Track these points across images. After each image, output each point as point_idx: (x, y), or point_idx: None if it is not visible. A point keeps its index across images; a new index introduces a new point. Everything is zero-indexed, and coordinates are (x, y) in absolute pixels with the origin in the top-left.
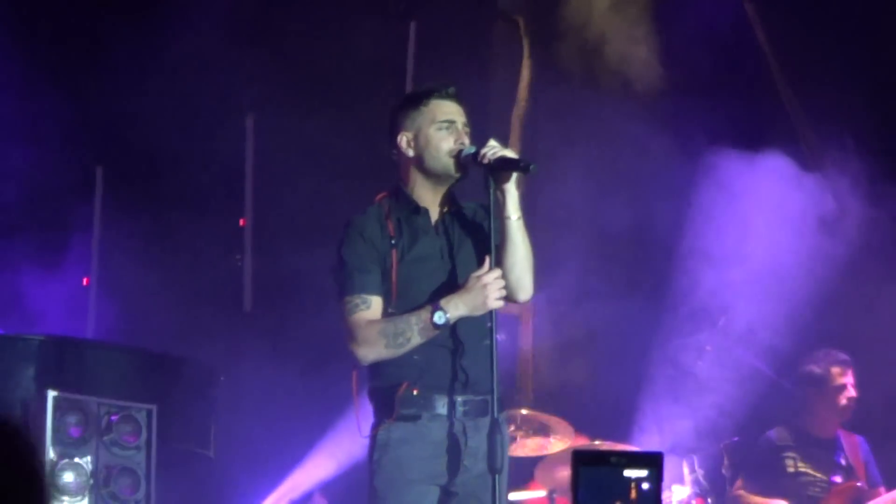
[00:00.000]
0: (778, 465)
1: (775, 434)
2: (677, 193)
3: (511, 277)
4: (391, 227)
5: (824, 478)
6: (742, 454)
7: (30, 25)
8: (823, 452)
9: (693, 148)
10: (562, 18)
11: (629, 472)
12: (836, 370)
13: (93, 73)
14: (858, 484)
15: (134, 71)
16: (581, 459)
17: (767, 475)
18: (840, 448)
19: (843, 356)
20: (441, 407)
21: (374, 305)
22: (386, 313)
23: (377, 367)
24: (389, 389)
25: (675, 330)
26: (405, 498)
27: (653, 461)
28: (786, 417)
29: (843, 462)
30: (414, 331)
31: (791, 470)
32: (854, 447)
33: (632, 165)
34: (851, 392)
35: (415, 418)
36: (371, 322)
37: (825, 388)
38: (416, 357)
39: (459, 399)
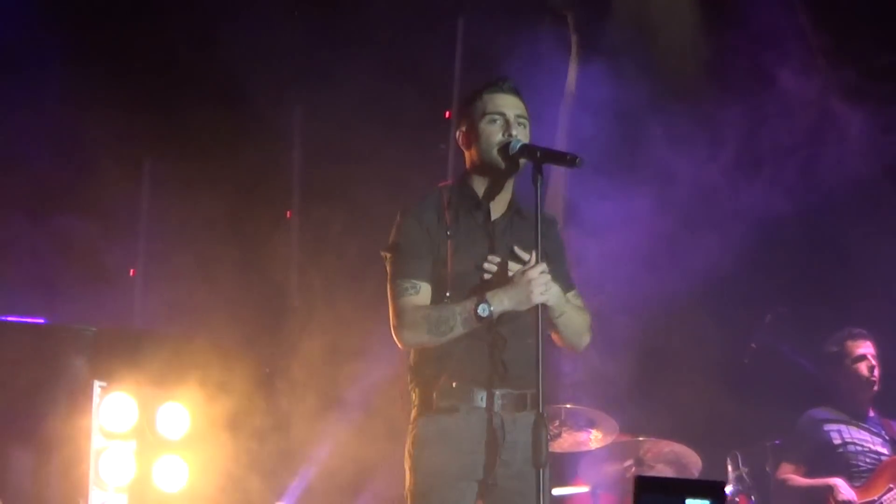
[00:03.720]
0: (823, 438)
1: (815, 411)
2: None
3: (564, 342)
4: (448, 217)
5: (872, 448)
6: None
7: (80, 16)
8: (864, 427)
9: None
10: (611, 13)
11: (691, 501)
12: (850, 343)
13: (142, 64)
14: None
15: (182, 62)
16: (643, 487)
17: (813, 451)
18: (878, 426)
19: (857, 330)
20: (479, 400)
21: (422, 291)
22: (441, 302)
23: (421, 358)
24: (428, 381)
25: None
26: (446, 495)
27: (714, 490)
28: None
29: (885, 437)
30: (457, 320)
31: (837, 441)
32: (890, 427)
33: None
34: (872, 361)
35: (452, 411)
36: (417, 307)
37: (844, 363)
38: (457, 349)
39: (498, 393)
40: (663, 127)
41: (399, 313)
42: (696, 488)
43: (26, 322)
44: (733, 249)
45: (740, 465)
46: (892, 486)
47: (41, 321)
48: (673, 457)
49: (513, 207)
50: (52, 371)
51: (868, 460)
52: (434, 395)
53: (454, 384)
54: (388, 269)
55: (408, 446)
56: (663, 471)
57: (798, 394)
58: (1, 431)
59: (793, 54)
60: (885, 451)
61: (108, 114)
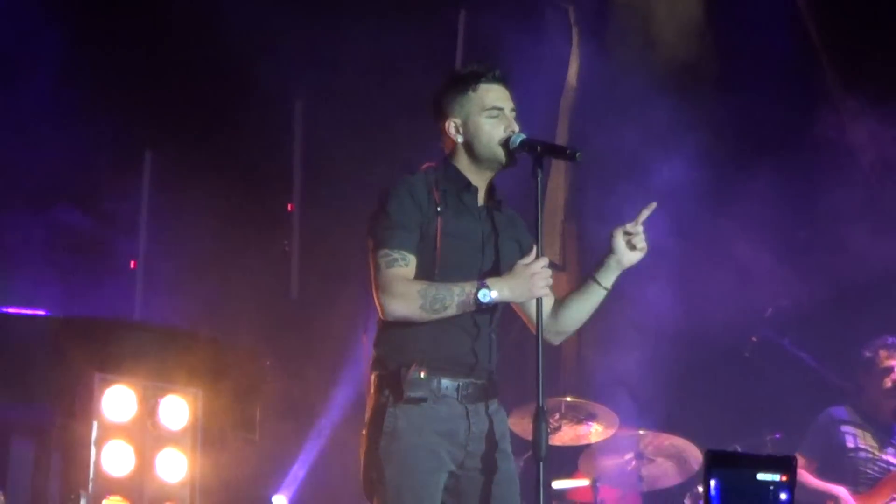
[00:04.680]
0: (837, 439)
1: (835, 410)
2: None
3: (563, 327)
4: (437, 196)
5: (883, 458)
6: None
7: (82, 8)
8: (882, 435)
9: (740, 143)
10: (612, 6)
11: (763, 476)
12: (883, 353)
13: (143, 57)
14: None
15: (183, 56)
16: (715, 461)
17: (826, 449)
18: None
19: (893, 339)
20: (446, 389)
21: (411, 264)
22: (430, 278)
23: (386, 343)
24: (397, 370)
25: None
26: (421, 492)
27: (786, 465)
28: (849, 400)
29: None
30: (454, 301)
31: (850, 445)
32: None
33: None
34: None
35: (420, 401)
36: (409, 280)
37: (873, 371)
38: (425, 337)
39: (462, 382)
40: (662, 123)
41: (389, 283)
42: (768, 463)
43: (28, 314)
44: (735, 243)
45: None
46: (895, 496)
47: (42, 313)
48: (673, 450)
49: (494, 198)
50: (53, 363)
51: (876, 468)
52: (403, 385)
53: (422, 374)
54: (372, 239)
55: (371, 436)
56: (663, 464)
57: (798, 388)
58: (2, 423)
59: (794, 50)
60: (895, 461)
61: (109, 106)
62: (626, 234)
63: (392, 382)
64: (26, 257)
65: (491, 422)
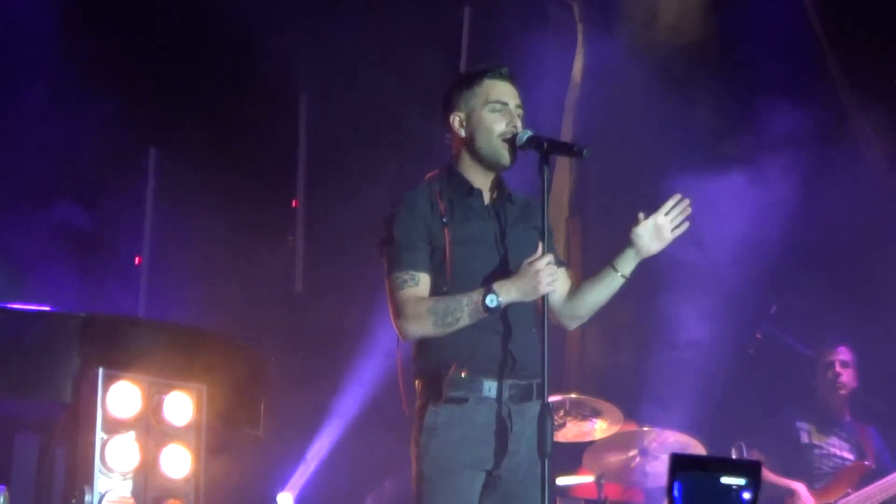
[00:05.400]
0: (793, 434)
1: (791, 407)
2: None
3: (579, 311)
4: (442, 206)
5: (837, 453)
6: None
7: (85, 4)
8: (834, 431)
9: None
10: (618, 2)
11: (727, 480)
12: (825, 350)
13: (147, 54)
14: (866, 463)
15: (187, 52)
16: (678, 464)
17: (781, 444)
18: (851, 431)
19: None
20: (488, 390)
21: (422, 282)
22: (440, 292)
23: (425, 348)
24: (437, 371)
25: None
26: (455, 484)
27: (751, 469)
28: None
29: (853, 443)
30: (464, 311)
31: (805, 441)
32: (865, 434)
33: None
34: (837, 368)
35: (462, 401)
36: (420, 299)
37: (818, 367)
38: (464, 339)
39: (506, 383)
40: (668, 119)
41: (401, 306)
42: (733, 467)
43: (31, 310)
44: (738, 240)
45: (745, 454)
46: (849, 490)
47: (47, 309)
48: (678, 447)
49: (504, 192)
50: (57, 359)
51: (831, 464)
52: (443, 385)
53: (463, 374)
54: (384, 263)
55: (414, 435)
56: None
57: (802, 384)
58: (6, 419)
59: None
60: (850, 456)
61: (113, 103)
62: (658, 225)
63: (434, 383)
64: (30, 254)
65: (532, 424)
